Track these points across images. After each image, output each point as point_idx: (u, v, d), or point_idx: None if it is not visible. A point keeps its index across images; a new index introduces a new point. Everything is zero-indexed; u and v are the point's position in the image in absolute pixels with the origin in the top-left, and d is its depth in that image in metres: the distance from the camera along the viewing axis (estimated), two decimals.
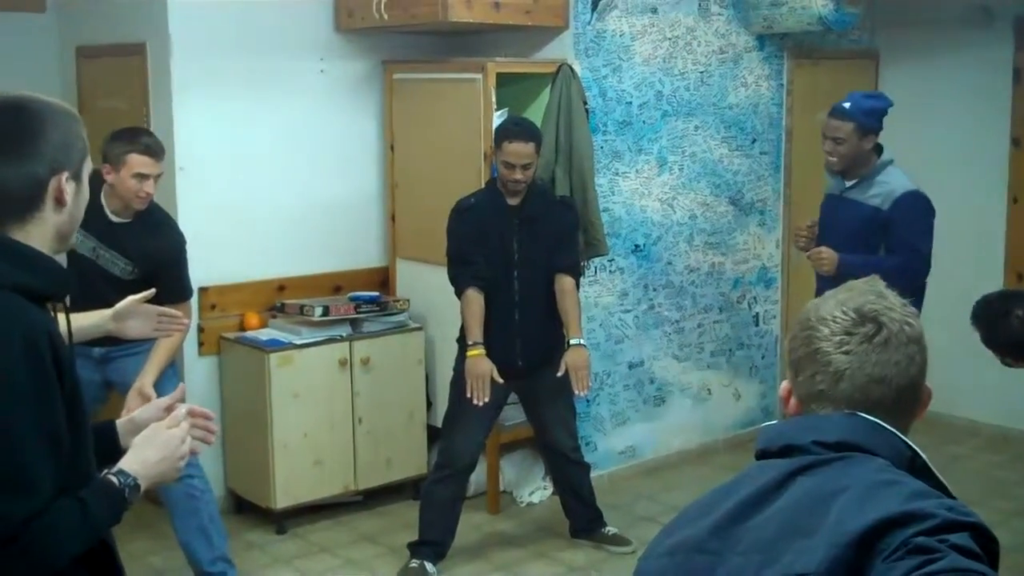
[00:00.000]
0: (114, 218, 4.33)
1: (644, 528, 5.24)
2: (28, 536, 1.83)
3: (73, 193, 2.03)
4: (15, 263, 1.94)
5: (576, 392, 4.71)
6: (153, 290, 3.12)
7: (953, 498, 1.52)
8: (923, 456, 1.60)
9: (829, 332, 1.64)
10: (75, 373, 1.98)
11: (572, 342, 4.71)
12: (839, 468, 1.56)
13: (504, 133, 4.70)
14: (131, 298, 2.98)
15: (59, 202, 2.01)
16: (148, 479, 2.09)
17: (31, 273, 1.96)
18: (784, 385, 1.73)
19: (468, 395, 4.61)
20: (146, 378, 4.29)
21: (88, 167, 2.09)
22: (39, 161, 1.97)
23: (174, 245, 4.46)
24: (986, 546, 1.43)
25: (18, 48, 5.78)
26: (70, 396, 1.94)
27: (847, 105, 4.73)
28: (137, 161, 4.21)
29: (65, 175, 2.00)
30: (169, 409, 2.29)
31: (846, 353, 1.62)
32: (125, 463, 2.08)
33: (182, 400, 2.37)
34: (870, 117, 4.69)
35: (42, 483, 1.86)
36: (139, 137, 4.33)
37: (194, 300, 4.90)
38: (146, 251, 4.33)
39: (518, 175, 4.64)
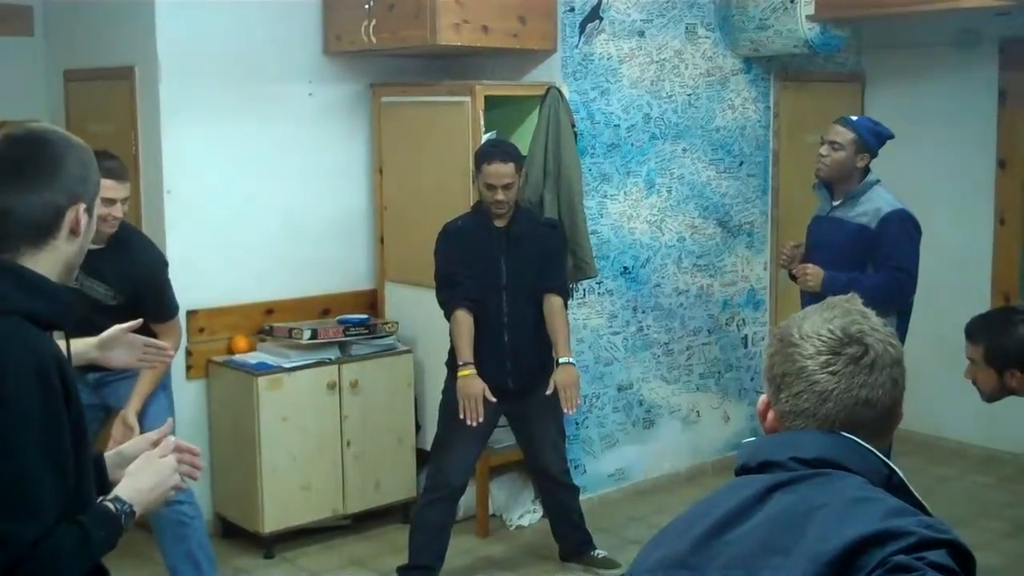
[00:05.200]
0: (89, 245, 4.30)
1: (634, 551, 5.19)
2: (33, 560, 1.87)
3: (86, 224, 2.09)
4: (25, 290, 1.99)
5: (565, 410, 4.71)
6: (140, 320, 3.11)
7: (930, 515, 1.53)
8: (900, 474, 1.61)
9: (814, 351, 1.64)
10: (80, 399, 2.02)
11: (561, 361, 4.72)
12: (817, 484, 1.57)
13: (483, 155, 4.73)
14: (117, 327, 2.98)
15: (74, 232, 2.07)
16: (142, 506, 2.14)
17: (41, 300, 2.00)
18: (762, 399, 1.73)
19: (461, 416, 4.60)
20: (129, 407, 4.30)
21: (98, 201, 2.16)
22: (59, 191, 2.04)
23: (150, 266, 4.41)
24: (963, 563, 1.44)
25: (6, 72, 5.80)
26: (75, 421, 1.98)
27: (854, 118, 4.92)
28: (102, 185, 4.19)
29: (82, 206, 2.07)
30: (156, 443, 2.32)
31: (832, 374, 1.63)
32: (121, 490, 2.12)
33: (171, 433, 2.39)
34: (871, 136, 4.80)
35: (47, 508, 1.90)
36: (101, 161, 4.30)
37: (182, 324, 4.90)
38: (123, 275, 4.29)
39: (500, 196, 4.65)
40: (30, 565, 1.86)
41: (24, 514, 1.87)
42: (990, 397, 3.84)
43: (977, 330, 3.85)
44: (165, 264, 4.49)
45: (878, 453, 1.62)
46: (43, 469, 1.90)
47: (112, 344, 2.97)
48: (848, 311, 1.69)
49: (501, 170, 4.64)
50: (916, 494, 1.60)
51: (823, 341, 1.65)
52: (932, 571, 1.38)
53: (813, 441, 1.62)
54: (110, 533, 2.04)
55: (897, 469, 1.61)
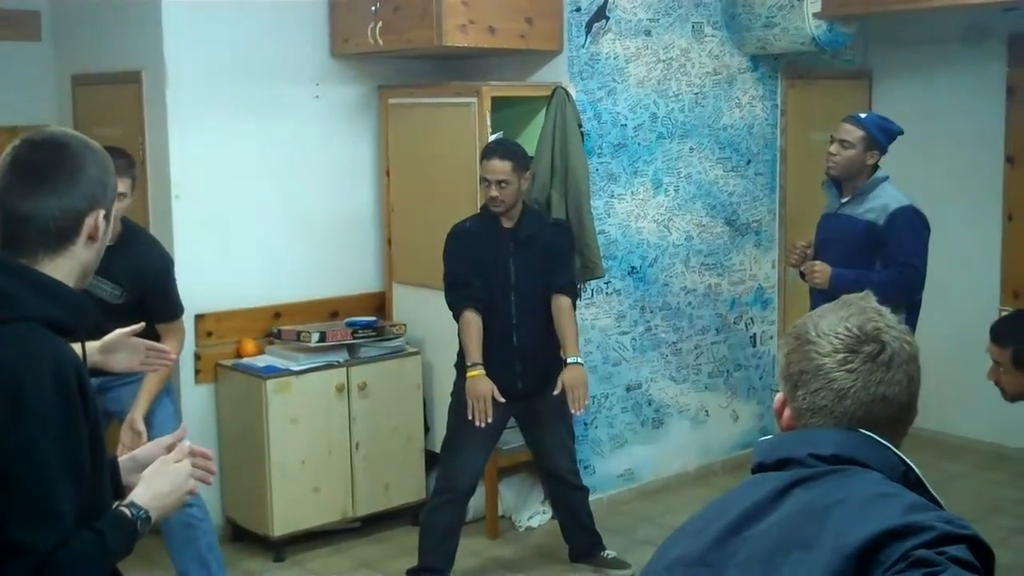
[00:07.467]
0: None
1: (644, 551, 5.21)
2: (53, 567, 1.87)
3: (104, 230, 2.08)
4: (43, 296, 1.98)
5: (572, 411, 4.70)
6: (142, 324, 3.10)
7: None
8: (916, 470, 1.61)
9: (831, 349, 1.65)
10: (96, 404, 2.02)
11: (569, 360, 4.71)
12: (835, 480, 1.57)
13: (484, 152, 4.77)
14: (119, 331, 2.97)
15: (92, 238, 2.06)
16: (158, 511, 2.14)
17: (59, 306, 2.00)
18: (779, 397, 1.73)
19: (470, 417, 4.59)
20: (136, 412, 4.29)
21: (115, 207, 2.14)
22: (80, 196, 2.03)
23: (158, 265, 4.43)
24: (982, 558, 1.44)
25: (14, 76, 5.80)
26: (92, 426, 1.98)
27: (863, 115, 4.92)
28: None
29: (102, 212, 2.06)
30: (170, 448, 2.32)
31: (850, 372, 1.63)
32: (137, 496, 2.12)
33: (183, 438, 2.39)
34: (881, 133, 4.81)
35: (66, 514, 1.91)
36: None
37: (190, 327, 4.90)
38: (130, 273, 4.29)
39: (493, 191, 4.65)
40: (50, 572, 1.87)
41: (44, 521, 1.88)
42: (1014, 398, 3.81)
43: (1005, 333, 3.80)
44: (171, 262, 4.51)
45: (895, 450, 1.62)
46: (62, 476, 1.90)
47: (114, 348, 2.96)
48: (864, 309, 1.70)
49: (497, 166, 4.64)
50: (932, 490, 1.60)
51: (840, 339, 1.65)
52: (953, 566, 1.39)
53: (831, 438, 1.62)
54: (126, 539, 2.04)
55: (914, 466, 1.61)
